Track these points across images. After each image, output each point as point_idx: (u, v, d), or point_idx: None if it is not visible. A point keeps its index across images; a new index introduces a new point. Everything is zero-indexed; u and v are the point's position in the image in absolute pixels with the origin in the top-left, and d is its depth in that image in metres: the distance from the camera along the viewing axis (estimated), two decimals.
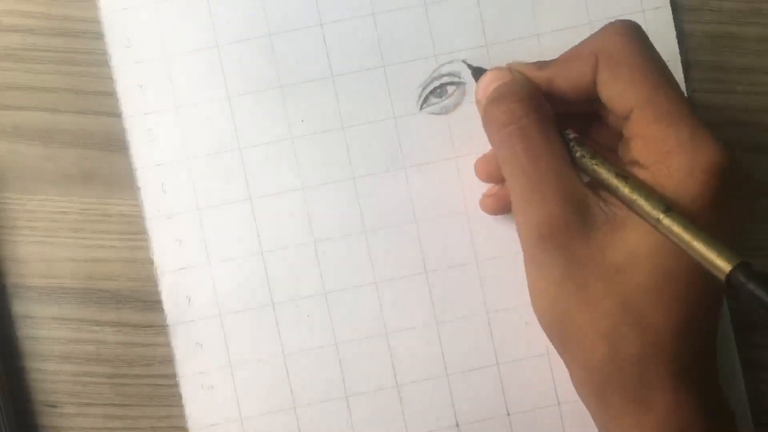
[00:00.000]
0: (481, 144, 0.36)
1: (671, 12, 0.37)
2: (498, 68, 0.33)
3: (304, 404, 0.36)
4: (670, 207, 0.28)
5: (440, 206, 0.37)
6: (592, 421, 0.33)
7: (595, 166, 0.30)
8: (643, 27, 0.36)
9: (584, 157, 0.30)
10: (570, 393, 0.36)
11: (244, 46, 0.37)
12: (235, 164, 0.37)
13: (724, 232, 0.28)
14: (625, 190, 0.29)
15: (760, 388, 0.37)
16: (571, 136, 0.31)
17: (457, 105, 0.37)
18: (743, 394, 0.36)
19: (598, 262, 0.29)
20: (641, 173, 0.29)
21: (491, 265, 0.36)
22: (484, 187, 0.36)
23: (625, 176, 0.29)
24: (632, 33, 0.30)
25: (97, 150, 0.37)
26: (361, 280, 0.36)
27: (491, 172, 0.35)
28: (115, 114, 0.37)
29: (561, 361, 0.36)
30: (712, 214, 0.28)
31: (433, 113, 0.37)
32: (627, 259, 0.28)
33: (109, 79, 0.37)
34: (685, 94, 0.37)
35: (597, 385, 0.29)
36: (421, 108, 0.37)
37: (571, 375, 0.31)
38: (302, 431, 0.36)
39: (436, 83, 0.37)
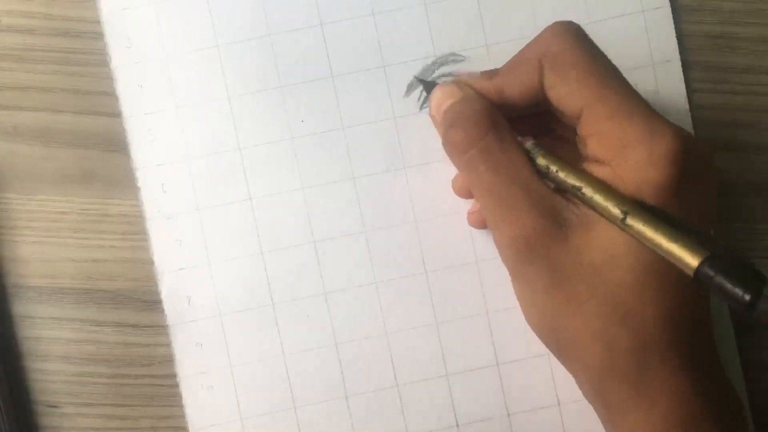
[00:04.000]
0: None
1: (671, 12, 0.37)
2: (446, 84, 0.33)
3: (304, 404, 0.36)
4: (631, 207, 0.28)
5: (440, 206, 0.37)
6: (591, 421, 0.33)
7: (557, 173, 0.30)
8: (643, 27, 0.37)
9: (544, 164, 0.30)
10: (570, 393, 0.36)
11: (244, 46, 0.37)
12: (235, 164, 0.37)
13: (692, 218, 0.28)
14: (585, 194, 0.29)
15: (760, 388, 0.37)
16: (528, 144, 0.31)
17: None
18: (743, 394, 0.36)
19: (578, 265, 0.29)
20: (602, 170, 0.29)
21: (491, 265, 0.36)
22: None
23: (584, 180, 0.29)
24: (573, 33, 0.30)
25: (97, 150, 0.37)
26: (361, 280, 0.36)
27: (467, 190, 0.35)
28: (115, 114, 0.37)
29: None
30: (678, 202, 0.28)
31: None
32: (604, 258, 0.28)
33: (109, 79, 0.37)
34: (685, 94, 0.37)
35: (599, 385, 0.29)
36: (421, 108, 0.37)
37: (576, 380, 0.31)
38: (302, 431, 0.36)
39: (436, 83, 0.37)
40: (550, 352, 0.36)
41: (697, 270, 0.26)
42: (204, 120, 0.37)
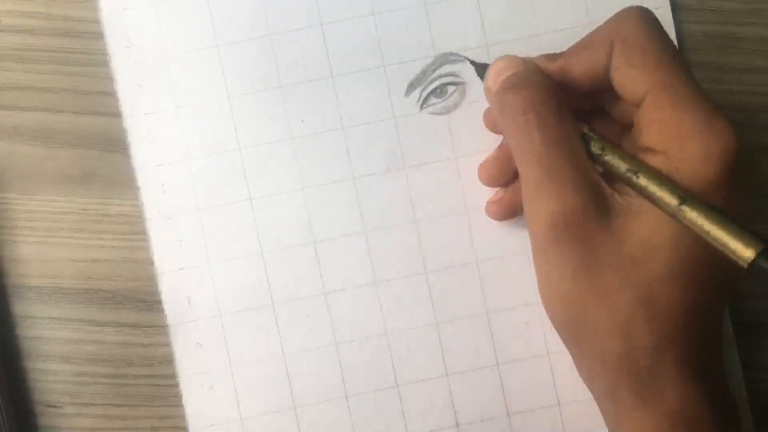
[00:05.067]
0: (480, 144, 0.36)
1: (671, 12, 0.37)
2: (510, 57, 0.32)
3: (304, 404, 0.36)
4: (686, 195, 0.28)
5: (440, 206, 0.37)
6: (591, 421, 0.33)
7: (610, 158, 0.30)
8: None
9: (598, 148, 0.30)
10: (570, 393, 0.36)
11: (244, 46, 0.37)
12: (235, 164, 0.37)
13: (737, 216, 0.28)
14: (640, 180, 0.29)
15: (760, 388, 0.37)
16: (585, 128, 0.30)
17: (457, 105, 0.37)
18: (743, 394, 0.36)
19: (615, 253, 0.28)
20: (655, 159, 0.29)
21: (491, 265, 0.36)
22: (484, 188, 0.36)
23: (641, 166, 0.29)
24: (645, 18, 0.30)
25: (97, 150, 0.37)
26: (361, 280, 0.36)
27: (494, 175, 0.35)
28: (115, 114, 0.37)
29: (561, 361, 0.36)
30: (726, 199, 0.28)
31: (433, 113, 0.37)
32: (644, 249, 0.28)
33: (109, 79, 0.37)
34: None
35: (610, 379, 0.29)
36: (421, 108, 0.37)
37: (582, 370, 0.31)
38: (302, 431, 0.36)
39: (436, 83, 0.37)
40: (550, 353, 0.36)
41: (754, 260, 0.26)
42: (204, 120, 0.37)
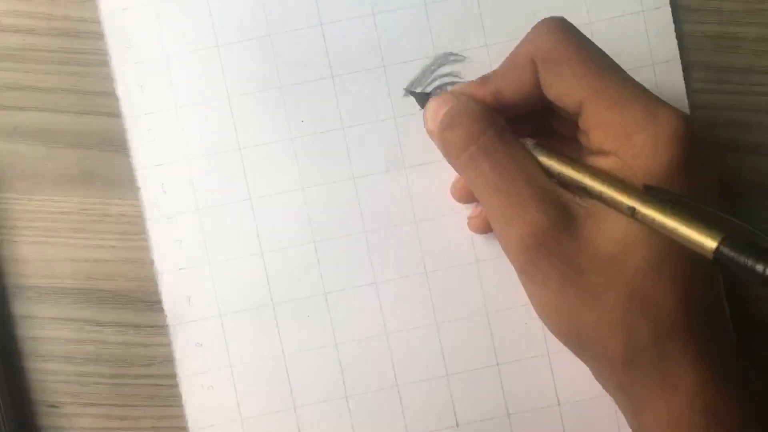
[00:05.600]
0: None
1: (671, 12, 0.37)
2: (439, 96, 0.33)
3: (304, 404, 0.36)
4: (640, 195, 0.28)
5: (440, 206, 0.37)
6: (591, 421, 0.33)
7: (561, 170, 0.30)
8: (643, 27, 0.37)
9: (547, 164, 0.30)
10: (570, 393, 0.36)
11: (244, 46, 0.37)
12: (235, 164, 0.37)
13: (701, 196, 0.28)
14: (594, 188, 0.29)
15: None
16: (529, 143, 0.31)
17: None
18: None
19: (592, 257, 0.28)
20: (608, 160, 0.29)
21: (491, 265, 0.36)
22: None
23: (590, 175, 0.29)
24: (561, 28, 0.30)
25: (97, 150, 0.37)
26: (361, 280, 0.36)
27: (466, 195, 0.35)
28: (115, 114, 0.37)
29: (561, 361, 0.36)
30: (687, 183, 0.28)
31: None
32: (619, 247, 0.28)
33: (109, 79, 0.37)
34: (685, 94, 0.37)
35: (621, 377, 0.29)
36: (422, 108, 0.37)
37: (595, 374, 0.31)
38: (302, 431, 0.36)
39: (436, 83, 0.37)
40: (550, 353, 0.36)
41: (716, 252, 0.26)
42: (204, 120, 0.37)
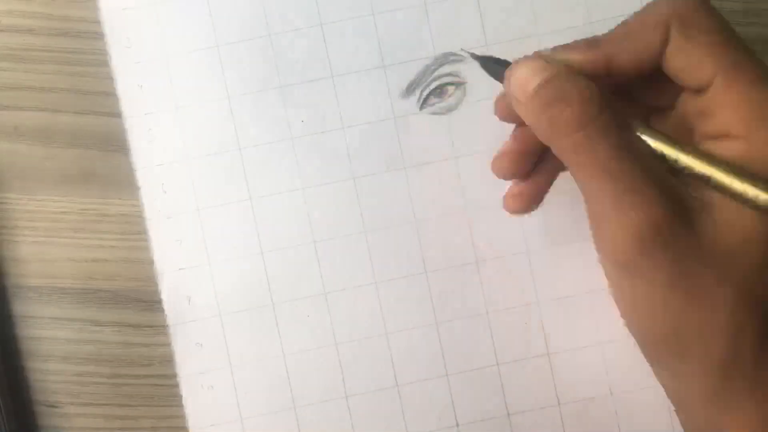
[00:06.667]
0: (480, 144, 0.36)
1: None
2: (530, 59, 0.29)
3: (304, 404, 0.36)
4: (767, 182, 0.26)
5: (440, 206, 0.37)
6: (592, 422, 0.33)
7: (678, 155, 0.28)
8: None
9: (659, 147, 0.28)
10: (570, 393, 0.36)
11: (244, 46, 0.37)
12: (235, 164, 0.37)
13: None
14: (717, 181, 0.27)
15: None
16: (641, 127, 0.28)
17: (457, 105, 0.37)
18: None
19: (707, 252, 0.26)
20: (733, 144, 0.27)
21: (491, 265, 0.36)
22: (484, 187, 0.36)
23: (713, 164, 0.27)
24: None
25: (97, 150, 0.37)
26: (361, 280, 0.36)
27: (512, 168, 0.32)
28: (115, 114, 0.37)
29: (561, 361, 0.36)
30: None
31: (433, 113, 0.37)
32: (737, 242, 0.26)
33: (109, 79, 0.37)
34: None
35: (712, 384, 0.27)
36: (421, 108, 0.37)
37: (678, 380, 0.29)
38: (302, 431, 0.36)
39: (436, 83, 0.37)
40: (549, 353, 0.36)
41: None
42: (204, 120, 0.37)
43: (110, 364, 0.37)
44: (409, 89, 0.37)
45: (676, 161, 0.28)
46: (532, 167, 0.32)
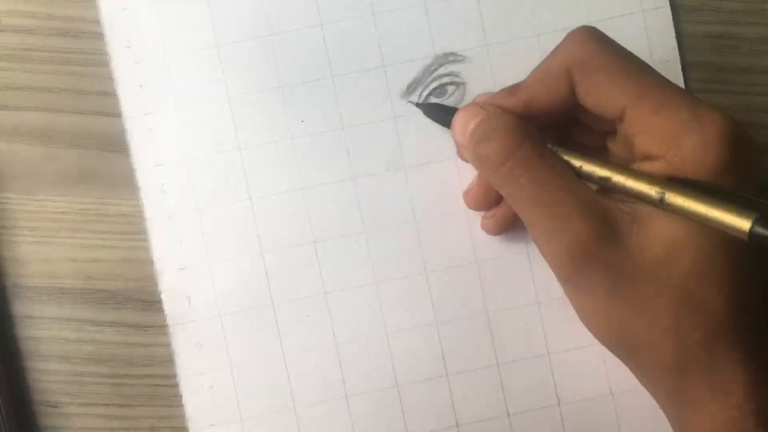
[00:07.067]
0: None
1: (671, 12, 0.37)
2: (466, 108, 0.32)
3: (304, 404, 0.36)
4: (667, 183, 0.28)
5: (440, 206, 0.37)
6: (591, 422, 0.33)
7: (585, 169, 0.30)
8: (643, 27, 0.37)
9: (575, 162, 0.30)
10: (570, 393, 0.36)
11: (244, 46, 0.37)
12: (235, 164, 0.37)
13: (744, 188, 0.28)
14: (617, 182, 0.29)
15: None
16: (555, 149, 0.30)
17: (457, 105, 0.37)
18: None
19: (640, 263, 0.28)
20: (655, 164, 0.29)
21: (491, 265, 0.36)
22: None
23: (613, 168, 0.29)
24: (595, 37, 0.30)
25: (96, 150, 0.37)
26: (361, 280, 0.36)
27: (481, 200, 0.35)
28: (115, 114, 0.37)
29: (561, 361, 0.36)
30: (733, 181, 0.28)
31: None
32: (667, 251, 0.28)
33: (109, 79, 0.37)
34: None
35: (673, 382, 0.29)
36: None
37: (643, 381, 0.31)
38: (302, 431, 0.36)
39: (436, 83, 0.37)
40: (550, 352, 0.36)
41: (751, 231, 0.26)
42: (204, 120, 0.37)
43: (110, 364, 0.37)
44: (409, 89, 0.37)
45: (608, 179, 0.30)
46: (499, 198, 0.35)
